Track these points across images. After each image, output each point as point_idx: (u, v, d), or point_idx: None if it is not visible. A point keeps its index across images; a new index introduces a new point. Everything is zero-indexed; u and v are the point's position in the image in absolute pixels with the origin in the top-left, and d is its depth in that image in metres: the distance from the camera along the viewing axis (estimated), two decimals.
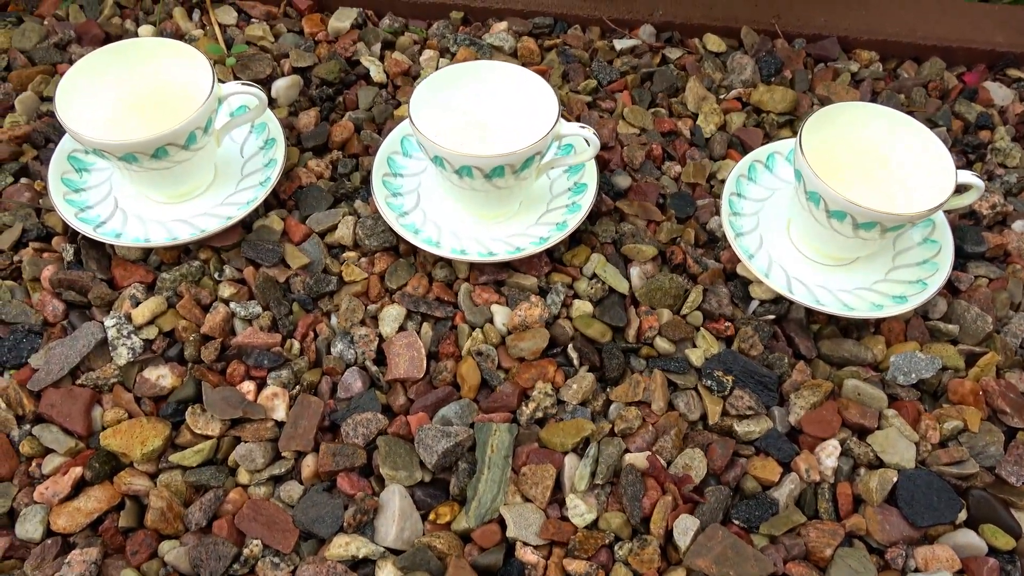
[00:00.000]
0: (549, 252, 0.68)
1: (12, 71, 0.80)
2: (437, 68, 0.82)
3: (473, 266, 0.66)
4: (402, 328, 0.63)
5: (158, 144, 0.60)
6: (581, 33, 0.87)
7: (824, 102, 0.81)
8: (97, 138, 0.59)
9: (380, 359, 0.62)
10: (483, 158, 0.59)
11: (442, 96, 0.65)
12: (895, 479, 0.57)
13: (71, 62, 0.81)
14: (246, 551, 0.53)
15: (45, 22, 0.84)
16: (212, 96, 0.62)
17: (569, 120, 0.78)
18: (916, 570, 0.54)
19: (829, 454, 0.58)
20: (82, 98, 0.64)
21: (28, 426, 0.58)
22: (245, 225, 0.68)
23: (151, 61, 0.66)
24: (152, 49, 0.66)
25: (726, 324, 0.64)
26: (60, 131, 0.74)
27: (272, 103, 0.78)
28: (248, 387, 0.60)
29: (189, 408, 0.58)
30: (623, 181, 0.73)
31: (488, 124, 0.67)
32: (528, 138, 0.64)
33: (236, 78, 0.79)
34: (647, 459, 0.57)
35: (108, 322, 0.61)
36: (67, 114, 0.61)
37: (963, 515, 0.56)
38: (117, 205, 0.68)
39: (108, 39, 0.83)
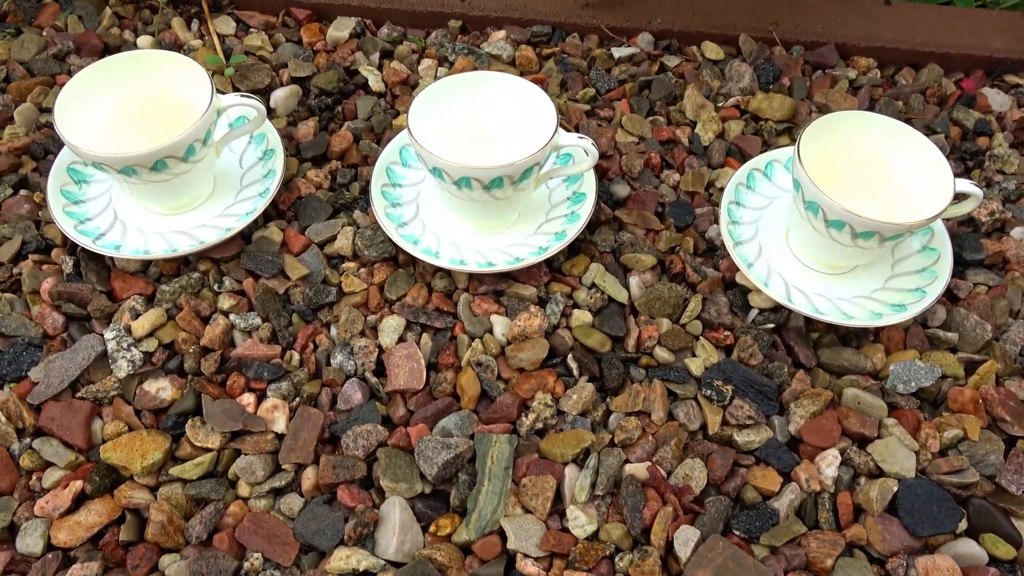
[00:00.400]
0: (548, 262, 0.68)
1: (11, 82, 0.80)
2: (436, 77, 0.82)
3: (472, 276, 0.66)
4: (402, 339, 0.63)
5: (157, 157, 0.60)
6: (579, 41, 0.87)
7: (822, 109, 0.81)
8: (96, 151, 0.59)
9: (380, 370, 0.62)
10: (482, 170, 0.59)
11: (440, 107, 0.65)
12: (895, 488, 0.57)
13: (70, 73, 0.81)
14: (247, 564, 0.53)
15: (44, 33, 0.85)
16: (211, 108, 0.62)
17: (568, 129, 0.78)
18: None
19: (829, 463, 0.58)
20: (81, 111, 0.64)
21: (28, 439, 0.58)
22: (244, 236, 0.69)
23: (150, 73, 0.66)
24: (151, 61, 0.66)
25: (725, 333, 0.64)
26: (59, 143, 0.74)
27: (271, 113, 0.78)
28: (248, 399, 0.60)
29: (189, 421, 0.58)
30: (622, 190, 0.73)
31: (487, 135, 0.67)
32: (527, 149, 0.64)
33: (235, 88, 0.79)
34: (647, 469, 0.57)
35: (108, 334, 0.61)
36: (66, 127, 0.61)
37: (963, 524, 0.56)
38: (116, 217, 0.68)
39: (107, 50, 0.84)
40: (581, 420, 0.60)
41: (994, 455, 0.59)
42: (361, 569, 0.53)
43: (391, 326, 0.63)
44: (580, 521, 0.55)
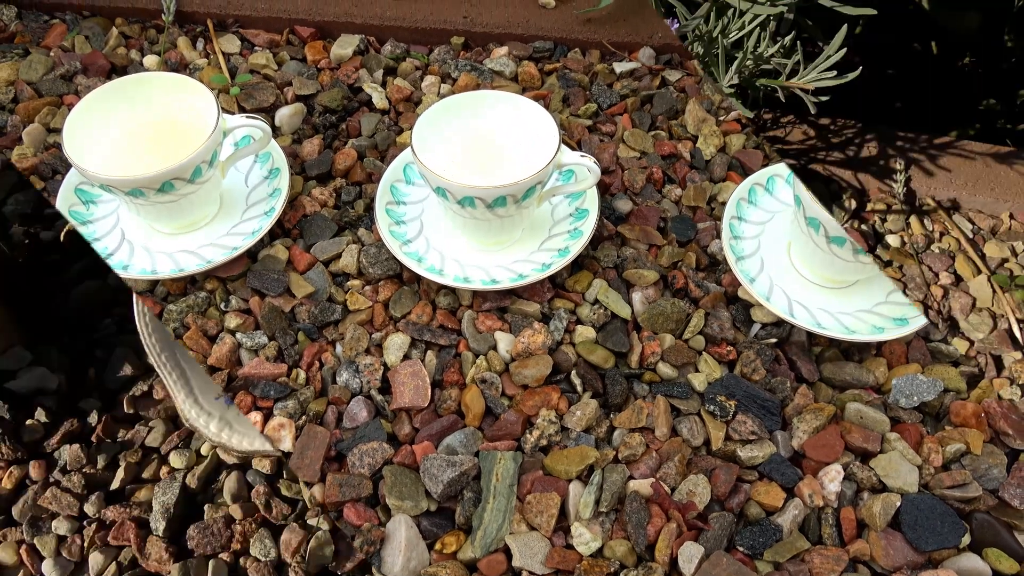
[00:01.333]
0: (551, 278, 0.68)
1: (19, 103, 0.81)
2: (439, 94, 0.83)
3: (476, 293, 0.67)
4: (407, 356, 0.64)
5: (164, 179, 0.61)
6: (581, 57, 0.88)
7: None
8: (103, 174, 0.60)
9: (385, 388, 0.63)
10: (485, 189, 0.59)
11: (443, 126, 0.66)
12: (898, 503, 0.57)
13: (77, 93, 0.82)
14: None
15: (51, 53, 0.86)
16: (217, 130, 0.62)
17: (570, 144, 0.78)
18: None
19: (832, 479, 0.58)
20: (88, 134, 0.64)
21: None
22: (250, 255, 0.69)
23: (157, 96, 0.67)
24: (158, 84, 0.67)
25: (728, 348, 0.65)
26: (67, 163, 0.75)
27: (276, 132, 0.79)
28: (255, 418, 0.60)
29: None
30: (624, 205, 0.73)
31: (490, 153, 0.68)
32: (530, 168, 0.64)
33: (240, 107, 0.80)
34: (651, 486, 0.57)
35: None
36: (74, 150, 0.62)
37: (967, 539, 0.56)
38: (124, 237, 0.68)
39: (114, 70, 0.84)
40: (585, 436, 0.60)
41: (997, 469, 0.59)
42: None
43: (396, 344, 0.64)
44: (585, 538, 0.55)
